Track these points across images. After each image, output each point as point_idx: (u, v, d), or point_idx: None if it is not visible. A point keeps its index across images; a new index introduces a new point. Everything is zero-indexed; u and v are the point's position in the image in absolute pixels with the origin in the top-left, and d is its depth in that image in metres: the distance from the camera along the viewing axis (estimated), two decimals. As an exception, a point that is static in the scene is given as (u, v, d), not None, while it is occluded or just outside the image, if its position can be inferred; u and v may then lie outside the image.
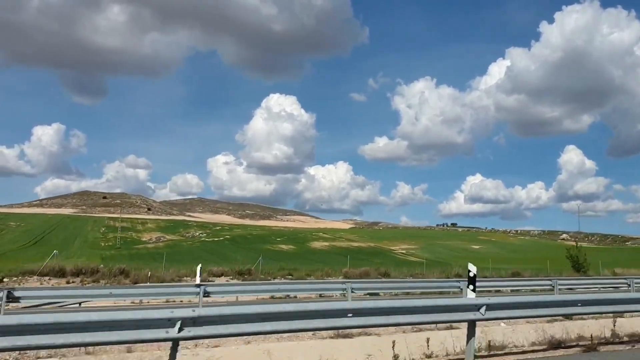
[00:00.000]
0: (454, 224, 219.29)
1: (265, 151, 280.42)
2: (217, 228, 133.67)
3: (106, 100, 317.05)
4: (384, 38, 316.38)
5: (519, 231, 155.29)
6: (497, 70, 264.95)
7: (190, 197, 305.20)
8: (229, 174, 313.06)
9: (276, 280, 25.17)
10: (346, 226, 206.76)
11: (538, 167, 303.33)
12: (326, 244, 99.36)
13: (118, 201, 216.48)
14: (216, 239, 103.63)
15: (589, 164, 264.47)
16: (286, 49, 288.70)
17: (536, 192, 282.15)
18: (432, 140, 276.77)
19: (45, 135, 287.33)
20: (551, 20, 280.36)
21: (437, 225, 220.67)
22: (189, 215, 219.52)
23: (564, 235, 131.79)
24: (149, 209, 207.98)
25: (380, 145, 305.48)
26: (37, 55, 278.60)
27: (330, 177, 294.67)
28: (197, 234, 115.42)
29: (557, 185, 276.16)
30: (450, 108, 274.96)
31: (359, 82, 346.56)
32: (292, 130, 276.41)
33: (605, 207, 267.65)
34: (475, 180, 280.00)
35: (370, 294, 17.79)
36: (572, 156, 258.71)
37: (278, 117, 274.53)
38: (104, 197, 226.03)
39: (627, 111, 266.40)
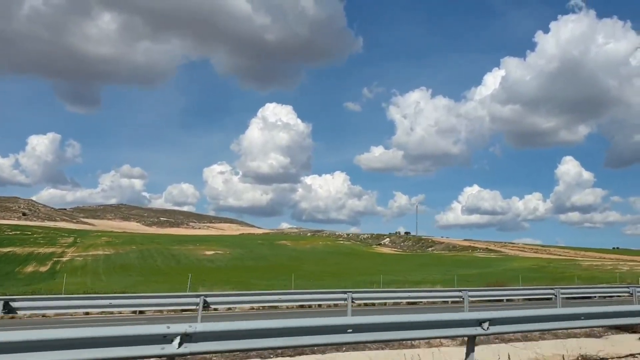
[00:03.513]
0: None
1: (261, 161, 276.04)
2: (95, 235, 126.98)
3: (100, 110, 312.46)
4: (378, 48, 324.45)
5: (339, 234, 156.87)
6: (492, 81, 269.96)
7: (111, 203, 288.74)
8: (224, 183, 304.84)
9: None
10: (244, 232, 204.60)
11: (535, 178, 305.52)
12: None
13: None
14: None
15: (587, 175, 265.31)
16: (280, 58, 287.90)
17: (534, 203, 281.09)
18: (428, 150, 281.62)
19: (40, 144, 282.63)
20: (547, 30, 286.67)
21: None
22: (84, 223, 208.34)
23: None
24: (23, 214, 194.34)
25: (376, 155, 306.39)
26: (29, 64, 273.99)
27: (327, 187, 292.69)
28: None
29: (554, 197, 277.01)
30: (445, 118, 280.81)
31: (353, 92, 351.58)
32: (288, 139, 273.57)
33: (603, 218, 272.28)
34: (472, 191, 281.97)
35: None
36: (569, 167, 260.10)
37: (274, 126, 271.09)
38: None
39: (623, 122, 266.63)
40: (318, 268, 76.30)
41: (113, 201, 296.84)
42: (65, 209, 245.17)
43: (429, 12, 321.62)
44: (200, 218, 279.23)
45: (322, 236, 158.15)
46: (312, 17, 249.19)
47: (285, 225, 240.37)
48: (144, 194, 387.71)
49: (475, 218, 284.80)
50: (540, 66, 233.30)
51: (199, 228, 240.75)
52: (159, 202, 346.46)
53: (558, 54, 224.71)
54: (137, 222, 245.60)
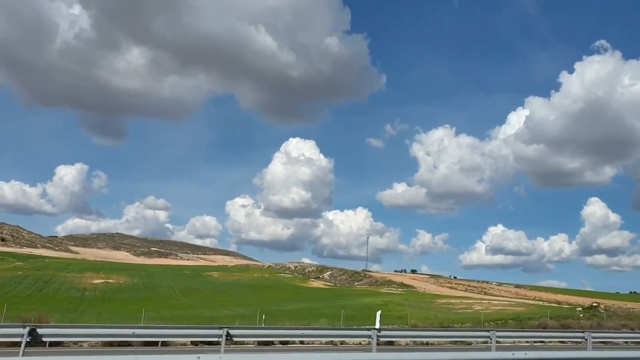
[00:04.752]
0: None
1: (283, 195, 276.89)
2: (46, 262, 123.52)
3: (126, 142, 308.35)
4: (401, 85, 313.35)
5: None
6: (517, 120, 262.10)
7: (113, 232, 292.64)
8: (246, 217, 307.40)
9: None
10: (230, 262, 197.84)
11: (560, 219, 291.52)
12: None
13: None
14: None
15: (613, 217, 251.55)
16: (304, 94, 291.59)
17: (559, 244, 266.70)
18: (451, 188, 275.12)
19: (68, 175, 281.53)
20: (571, 70, 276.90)
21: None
22: (67, 250, 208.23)
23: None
24: (2, 240, 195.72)
25: (398, 192, 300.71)
26: (59, 96, 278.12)
27: (349, 223, 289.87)
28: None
29: (580, 238, 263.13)
30: (469, 157, 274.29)
31: (376, 128, 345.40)
32: (310, 174, 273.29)
33: (631, 262, 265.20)
34: (496, 231, 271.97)
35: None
36: (595, 208, 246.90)
37: (297, 161, 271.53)
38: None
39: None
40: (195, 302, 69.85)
41: (136, 232, 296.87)
42: (56, 237, 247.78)
43: (452, 52, 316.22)
44: (195, 249, 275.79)
45: (264, 269, 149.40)
46: (336, 54, 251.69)
47: (306, 260, 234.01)
48: (168, 225, 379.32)
49: (499, 258, 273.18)
50: (564, 106, 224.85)
51: (187, 259, 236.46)
52: (181, 234, 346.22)
53: (583, 95, 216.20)
54: (127, 251, 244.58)
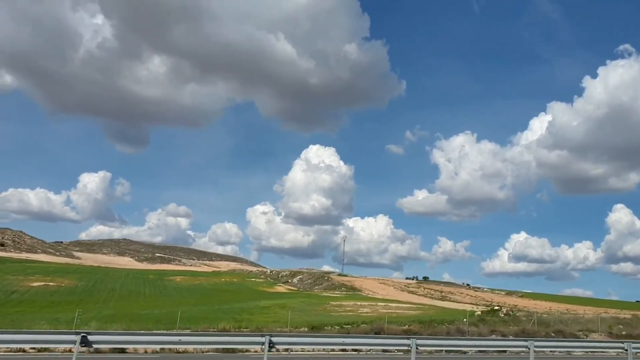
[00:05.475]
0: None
1: (304, 202, 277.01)
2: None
3: (148, 150, 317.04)
4: (421, 91, 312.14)
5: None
6: (539, 125, 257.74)
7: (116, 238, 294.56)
8: (267, 224, 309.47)
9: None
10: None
11: (585, 226, 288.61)
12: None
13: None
14: None
15: None
16: (323, 101, 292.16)
17: (584, 252, 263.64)
18: (473, 195, 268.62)
19: (91, 182, 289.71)
20: (594, 75, 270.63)
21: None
22: (69, 256, 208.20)
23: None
24: (1, 245, 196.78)
25: (419, 199, 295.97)
26: (82, 105, 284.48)
27: (370, 230, 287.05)
28: None
29: (605, 246, 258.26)
30: (491, 163, 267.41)
31: (396, 135, 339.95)
32: (330, 181, 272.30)
33: None
34: (519, 238, 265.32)
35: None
36: (620, 215, 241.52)
37: (317, 168, 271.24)
38: None
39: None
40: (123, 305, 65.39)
41: (159, 239, 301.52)
42: (62, 242, 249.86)
43: (473, 57, 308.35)
44: (201, 255, 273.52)
45: (234, 273, 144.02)
46: (355, 61, 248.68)
47: (326, 267, 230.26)
48: (189, 232, 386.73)
49: (522, 266, 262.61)
50: (588, 112, 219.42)
51: (190, 265, 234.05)
52: (203, 242, 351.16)
53: (606, 100, 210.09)
54: (130, 257, 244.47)
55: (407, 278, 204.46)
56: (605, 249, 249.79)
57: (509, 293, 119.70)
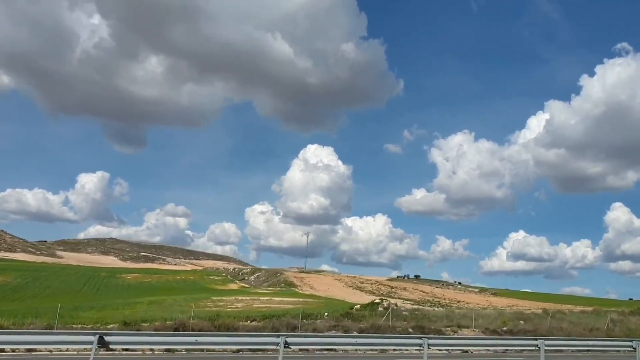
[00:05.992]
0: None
1: (302, 202, 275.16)
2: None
3: (146, 150, 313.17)
4: (419, 91, 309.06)
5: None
6: (537, 124, 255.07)
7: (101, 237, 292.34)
8: (265, 223, 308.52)
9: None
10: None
11: (583, 225, 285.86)
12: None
13: None
14: None
15: (638, 222, 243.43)
16: (321, 100, 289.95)
17: (582, 250, 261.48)
18: (471, 194, 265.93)
19: (89, 182, 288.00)
20: (592, 74, 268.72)
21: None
22: (51, 256, 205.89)
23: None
24: None
25: (417, 198, 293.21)
26: (79, 105, 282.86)
27: (368, 229, 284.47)
28: None
29: (604, 244, 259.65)
30: (488, 162, 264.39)
31: (394, 134, 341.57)
32: (328, 181, 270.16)
33: None
34: (518, 237, 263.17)
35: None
36: (619, 214, 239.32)
37: (315, 167, 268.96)
38: None
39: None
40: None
41: (157, 239, 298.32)
42: (46, 241, 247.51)
43: (471, 56, 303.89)
44: (187, 254, 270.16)
45: (203, 270, 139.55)
46: (352, 60, 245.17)
47: (325, 267, 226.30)
48: (188, 232, 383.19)
49: (521, 265, 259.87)
50: (585, 110, 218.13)
51: (174, 264, 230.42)
52: (201, 241, 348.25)
53: (604, 98, 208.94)
54: (115, 256, 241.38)
55: (398, 277, 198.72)
56: (604, 248, 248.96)
57: (498, 293, 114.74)
